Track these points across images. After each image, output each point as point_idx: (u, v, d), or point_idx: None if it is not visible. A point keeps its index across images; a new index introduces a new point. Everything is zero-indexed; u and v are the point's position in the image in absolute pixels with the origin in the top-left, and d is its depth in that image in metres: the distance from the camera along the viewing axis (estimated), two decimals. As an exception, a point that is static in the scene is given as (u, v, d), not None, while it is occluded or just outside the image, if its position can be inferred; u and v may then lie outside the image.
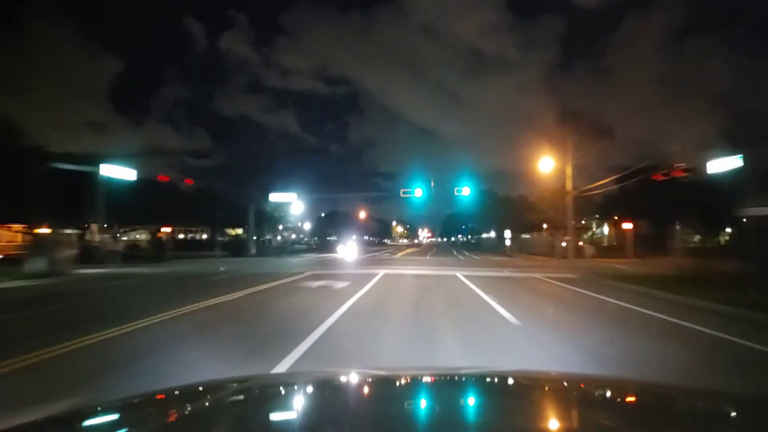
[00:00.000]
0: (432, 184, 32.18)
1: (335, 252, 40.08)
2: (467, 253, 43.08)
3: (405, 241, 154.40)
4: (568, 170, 29.16)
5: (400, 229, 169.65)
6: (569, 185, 29.26)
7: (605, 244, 41.93)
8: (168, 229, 37.00)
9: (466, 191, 31.36)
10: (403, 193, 32.65)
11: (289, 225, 66.69)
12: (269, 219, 61.71)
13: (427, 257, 34.78)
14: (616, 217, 38.88)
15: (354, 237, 56.05)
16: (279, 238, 70.37)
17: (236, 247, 35.38)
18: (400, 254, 42.42)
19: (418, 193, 31.65)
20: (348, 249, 40.34)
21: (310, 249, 55.82)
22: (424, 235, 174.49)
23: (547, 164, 29.45)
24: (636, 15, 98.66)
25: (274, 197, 33.61)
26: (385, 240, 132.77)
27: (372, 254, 40.78)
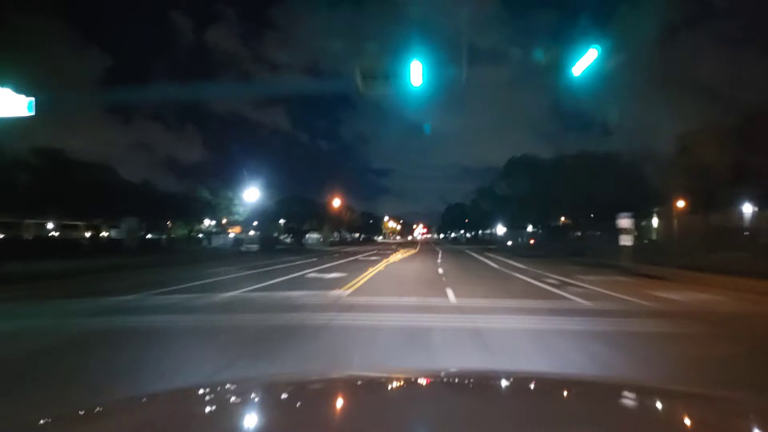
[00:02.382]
0: (464, 73, 8.71)
1: None
2: (543, 271, 14.32)
3: (398, 238, 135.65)
4: None
5: (392, 224, 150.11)
6: None
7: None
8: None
9: (590, 56, 7.75)
10: (364, 79, 8.91)
11: (237, 217, 45.12)
12: (204, 208, 41.26)
13: (453, 299, 8.95)
14: (683, 203, 23.84)
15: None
16: (232, 235, 48.45)
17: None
18: (366, 276, 14.15)
19: (414, 78, 8.06)
20: None
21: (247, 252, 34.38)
22: (418, 231, 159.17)
23: None
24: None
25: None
26: (375, 237, 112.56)
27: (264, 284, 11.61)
